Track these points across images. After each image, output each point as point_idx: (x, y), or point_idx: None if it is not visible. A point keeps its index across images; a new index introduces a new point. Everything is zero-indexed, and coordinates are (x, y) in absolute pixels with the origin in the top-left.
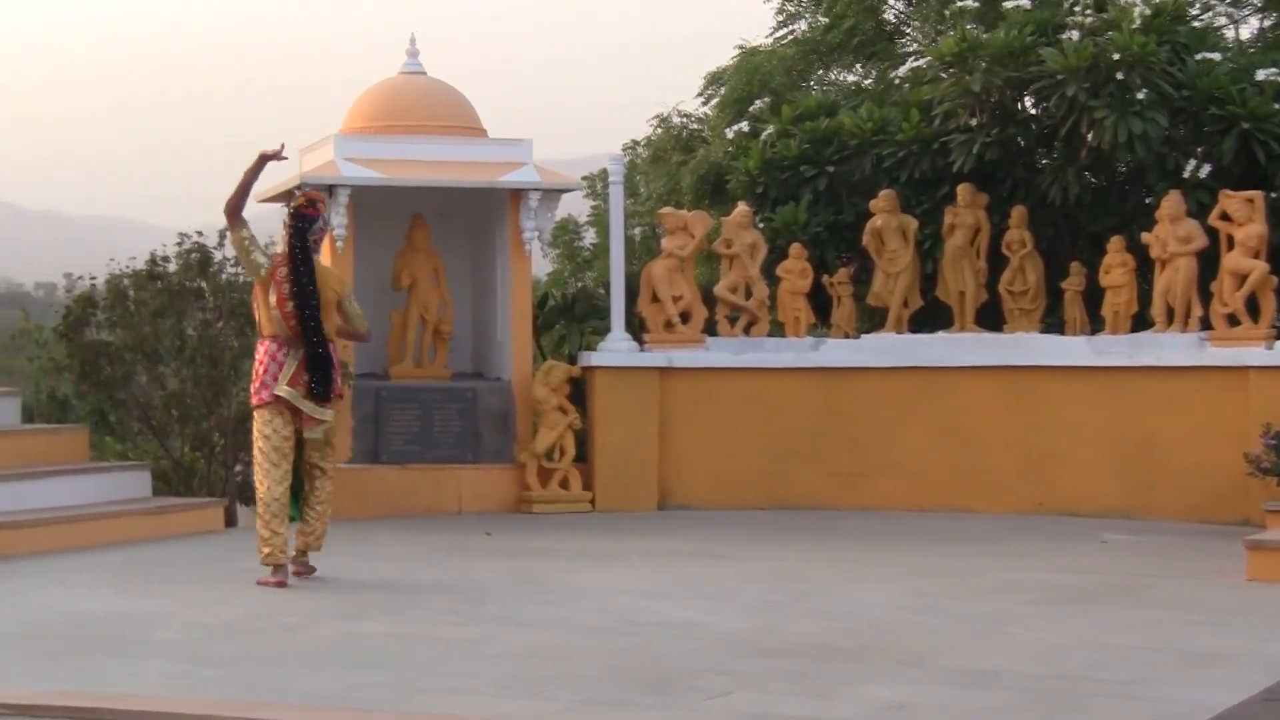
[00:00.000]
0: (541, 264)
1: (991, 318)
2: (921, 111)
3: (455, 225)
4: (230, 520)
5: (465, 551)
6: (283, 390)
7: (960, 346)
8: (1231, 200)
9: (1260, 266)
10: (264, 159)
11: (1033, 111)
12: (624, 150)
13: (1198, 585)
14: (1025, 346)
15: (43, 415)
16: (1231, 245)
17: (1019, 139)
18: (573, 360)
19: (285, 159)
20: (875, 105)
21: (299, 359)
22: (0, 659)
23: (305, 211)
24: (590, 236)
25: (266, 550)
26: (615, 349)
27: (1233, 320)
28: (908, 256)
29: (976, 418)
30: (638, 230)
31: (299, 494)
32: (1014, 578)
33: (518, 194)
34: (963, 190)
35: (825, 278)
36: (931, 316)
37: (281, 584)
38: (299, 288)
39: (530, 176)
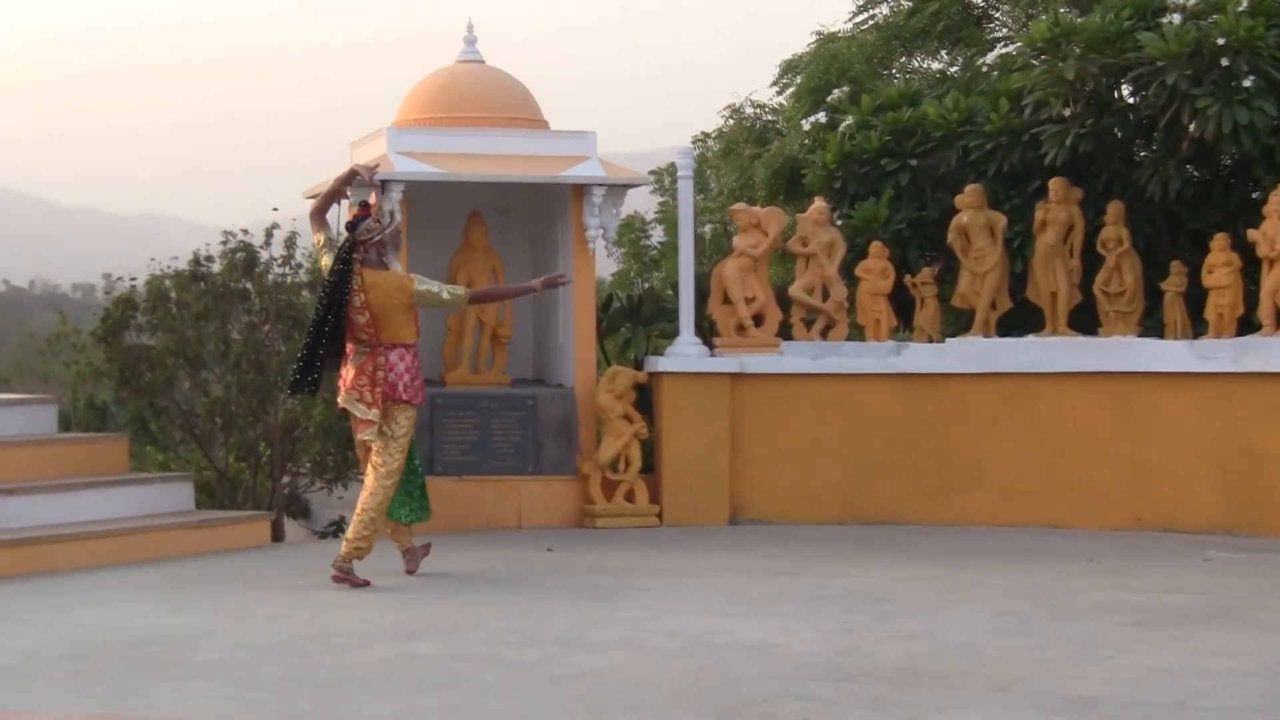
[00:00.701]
0: (606, 264)
1: (1086, 320)
2: (1011, 101)
3: (515, 223)
4: (277, 535)
5: (525, 568)
6: (340, 395)
7: (1052, 351)
8: None
9: None
10: (354, 173)
11: (1130, 101)
12: (693, 143)
13: None
14: (1122, 351)
15: (80, 424)
16: None
17: (1115, 130)
18: (639, 365)
19: (376, 183)
20: (961, 94)
21: (358, 364)
22: (38, 680)
23: (356, 215)
24: (658, 234)
25: (345, 549)
26: (684, 353)
27: None
28: (996, 255)
29: (1070, 427)
30: (708, 228)
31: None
32: (1111, 597)
33: (581, 190)
34: (1055, 184)
35: (907, 278)
36: (1021, 319)
37: (354, 584)
38: (324, 295)
39: (594, 171)
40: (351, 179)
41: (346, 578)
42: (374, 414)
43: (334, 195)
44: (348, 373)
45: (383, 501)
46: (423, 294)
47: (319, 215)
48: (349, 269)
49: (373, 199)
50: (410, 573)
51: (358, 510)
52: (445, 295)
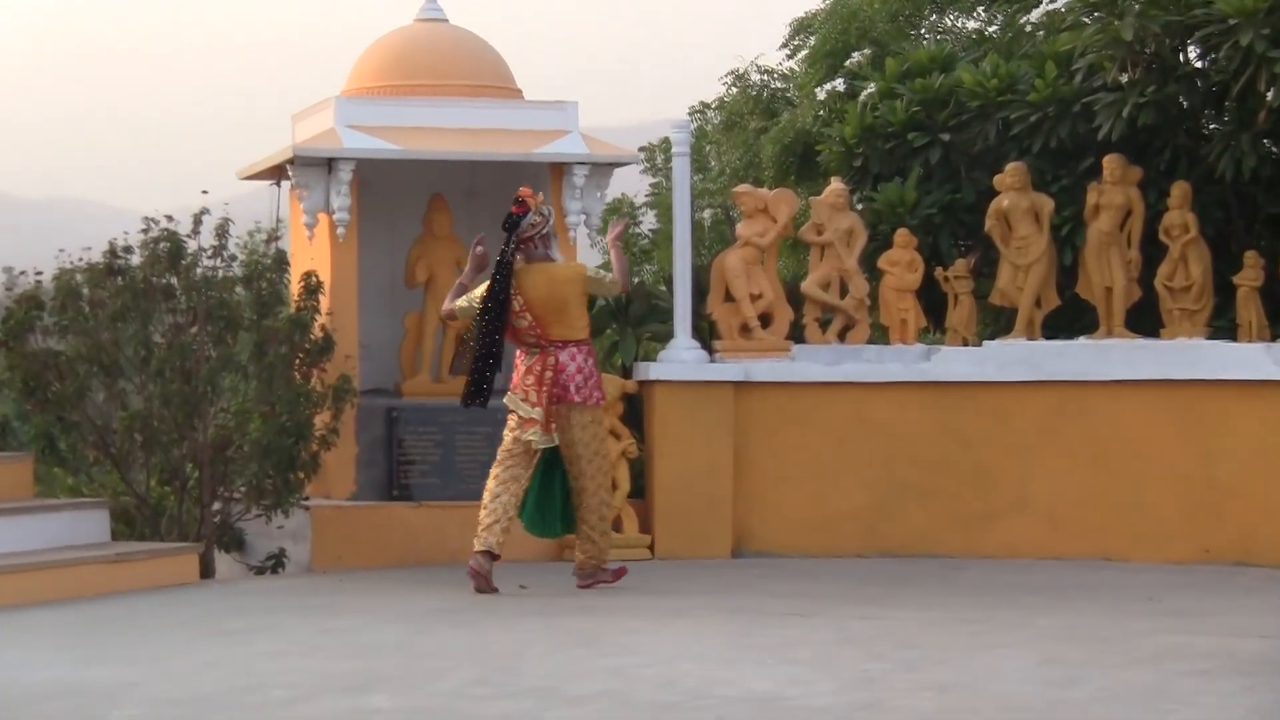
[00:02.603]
0: (589, 254)
1: (1146, 320)
2: (1059, 65)
3: (484, 208)
4: (207, 570)
5: (496, 608)
6: (506, 396)
7: (1107, 356)
8: None
9: None
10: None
11: (1198, 65)
12: (690, 115)
13: None
14: (1188, 356)
15: None
16: None
17: (1181, 99)
18: (627, 373)
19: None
20: (1001, 58)
21: (527, 364)
22: None
23: (512, 211)
24: (649, 221)
25: (582, 557)
26: (680, 359)
27: None
28: (1042, 244)
29: (1128, 444)
30: (708, 213)
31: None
32: (1176, 642)
33: (560, 169)
34: (1110, 162)
35: (939, 271)
36: (1071, 318)
37: (480, 581)
38: (489, 299)
39: (576, 147)
40: (479, 264)
41: (591, 581)
42: (537, 412)
43: (460, 291)
44: (516, 373)
45: (602, 509)
46: (592, 278)
47: (449, 317)
48: (510, 272)
49: (525, 190)
50: (581, 586)
51: (590, 522)
52: (607, 281)
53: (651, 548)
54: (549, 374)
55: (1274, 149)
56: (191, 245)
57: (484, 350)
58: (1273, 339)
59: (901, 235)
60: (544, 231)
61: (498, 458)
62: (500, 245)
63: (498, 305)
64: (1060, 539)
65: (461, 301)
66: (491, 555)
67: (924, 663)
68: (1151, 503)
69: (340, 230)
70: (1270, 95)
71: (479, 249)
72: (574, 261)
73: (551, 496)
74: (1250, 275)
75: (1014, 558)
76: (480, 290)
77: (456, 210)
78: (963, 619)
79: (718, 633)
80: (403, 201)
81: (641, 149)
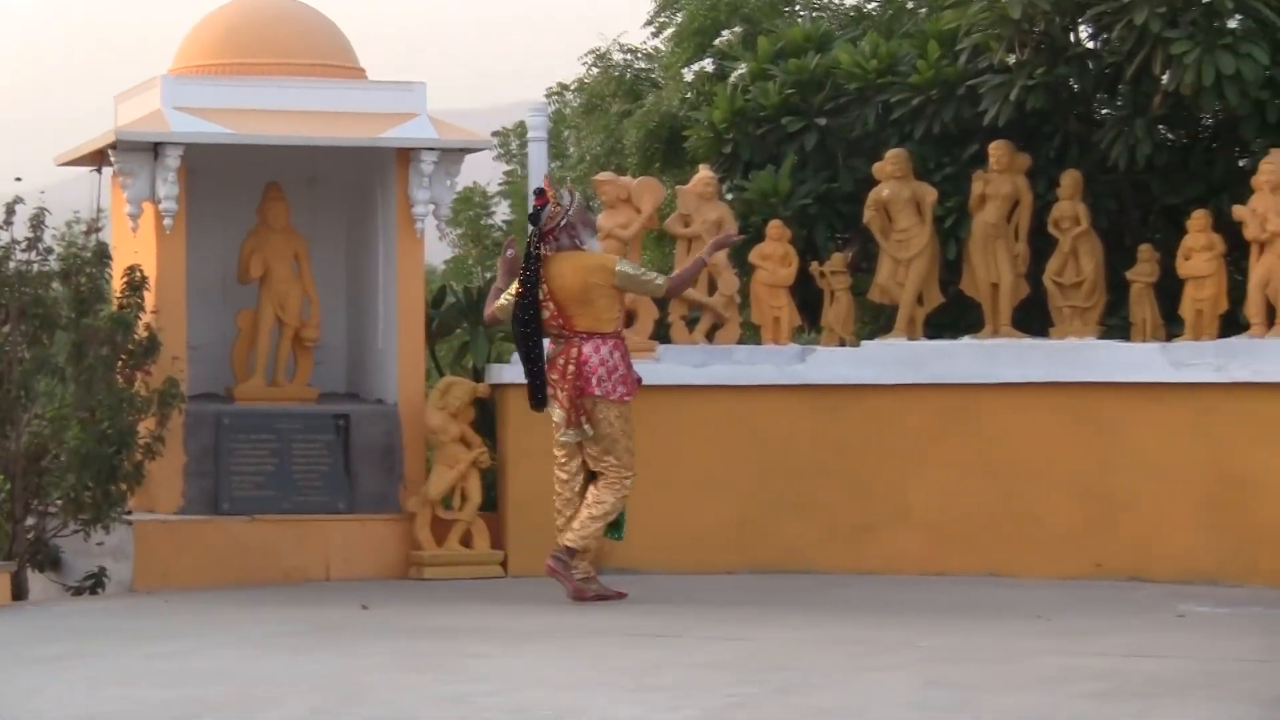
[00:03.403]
0: (438, 248)
1: (1035, 318)
2: (943, 45)
3: (324, 197)
4: (19, 591)
5: (336, 631)
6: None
7: (993, 357)
8: None
9: None
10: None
11: (1090, 45)
12: (548, 97)
13: None
14: (1079, 357)
15: None
16: None
17: (1071, 82)
18: (479, 376)
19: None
20: (881, 37)
21: (551, 358)
22: None
23: (534, 205)
24: (503, 211)
25: (568, 538)
26: None
27: None
28: (924, 237)
29: (1016, 451)
30: None
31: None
32: (1068, 663)
33: (407, 154)
34: (997, 149)
35: (814, 266)
36: (955, 317)
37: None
38: (519, 296)
39: (424, 131)
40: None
41: (560, 573)
42: (561, 414)
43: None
44: (549, 370)
45: (611, 510)
46: (623, 274)
47: (493, 321)
48: (538, 265)
49: (545, 182)
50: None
51: (586, 513)
52: (646, 280)
53: (504, 564)
54: (571, 367)
55: (1170, 135)
56: (3, 237)
57: (524, 350)
58: (1168, 338)
59: (774, 227)
60: (564, 222)
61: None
62: (527, 242)
63: (530, 301)
64: (945, 553)
65: (501, 301)
66: (570, 551)
67: (799, 687)
68: (1041, 514)
69: (167, 221)
70: (1166, 78)
71: (509, 252)
72: (605, 254)
73: None
74: (1145, 271)
75: (896, 573)
76: (515, 287)
77: (294, 200)
78: (841, 639)
79: (575, 656)
80: (235, 190)
81: (495, 134)
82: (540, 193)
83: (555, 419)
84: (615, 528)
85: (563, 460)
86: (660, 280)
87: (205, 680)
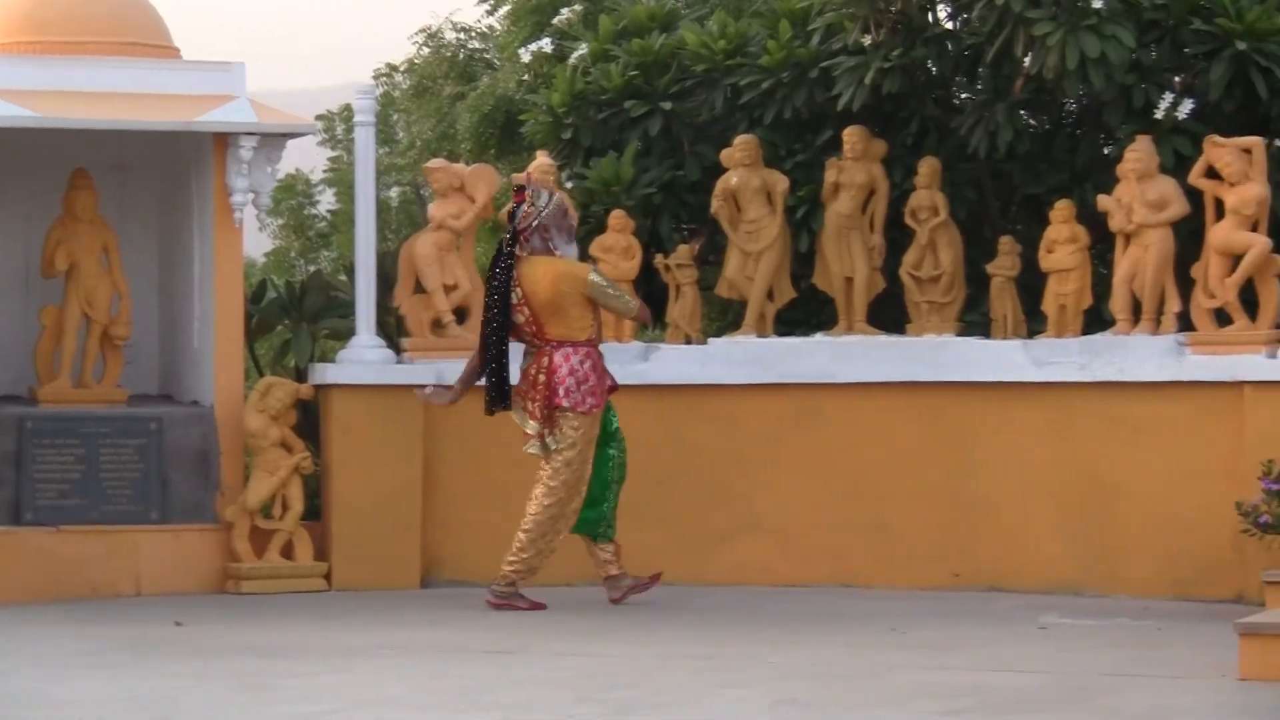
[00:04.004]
0: (258, 239)
1: (891, 314)
2: (795, 25)
3: (135, 185)
4: None
5: (148, 649)
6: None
7: (846, 355)
8: (1221, 151)
9: (1259, 243)
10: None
11: (949, 26)
12: (376, 79)
13: (1173, 688)
14: (937, 355)
15: None
16: (1221, 213)
17: (930, 64)
18: (301, 377)
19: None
20: (730, 16)
21: (524, 366)
22: None
23: (514, 201)
24: (327, 200)
25: (503, 569)
26: (362, 359)
27: (1223, 317)
28: (774, 228)
29: (871, 455)
30: (395, 191)
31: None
32: (925, 678)
33: (224, 140)
34: (851, 136)
35: (658, 259)
36: (807, 313)
37: (516, 607)
38: (488, 296)
39: (242, 115)
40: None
41: (505, 602)
42: (532, 425)
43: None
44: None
45: (546, 522)
46: (595, 285)
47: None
48: (510, 264)
49: (519, 177)
50: (613, 600)
51: (520, 528)
52: (615, 295)
53: (328, 577)
54: (541, 376)
55: (1032, 121)
56: None
57: (491, 351)
58: (1030, 335)
59: (617, 217)
60: (536, 223)
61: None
62: (500, 241)
63: (499, 300)
64: (796, 563)
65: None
66: (511, 583)
67: (643, 706)
68: (897, 521)
69: None
70: (1028, 61)
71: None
72: (579, 262)
73: (601, 499)
74: (1005, 264)
75: (745, 584)
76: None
77: (103, 188)
78: (686, 655)
79: (405, 674)
80: (39, 178)
81: (319, 117)
82: (520, 190)
83: (528, 430)
84: (593, 525)
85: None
86: (632, 303)
87: (6, 704)
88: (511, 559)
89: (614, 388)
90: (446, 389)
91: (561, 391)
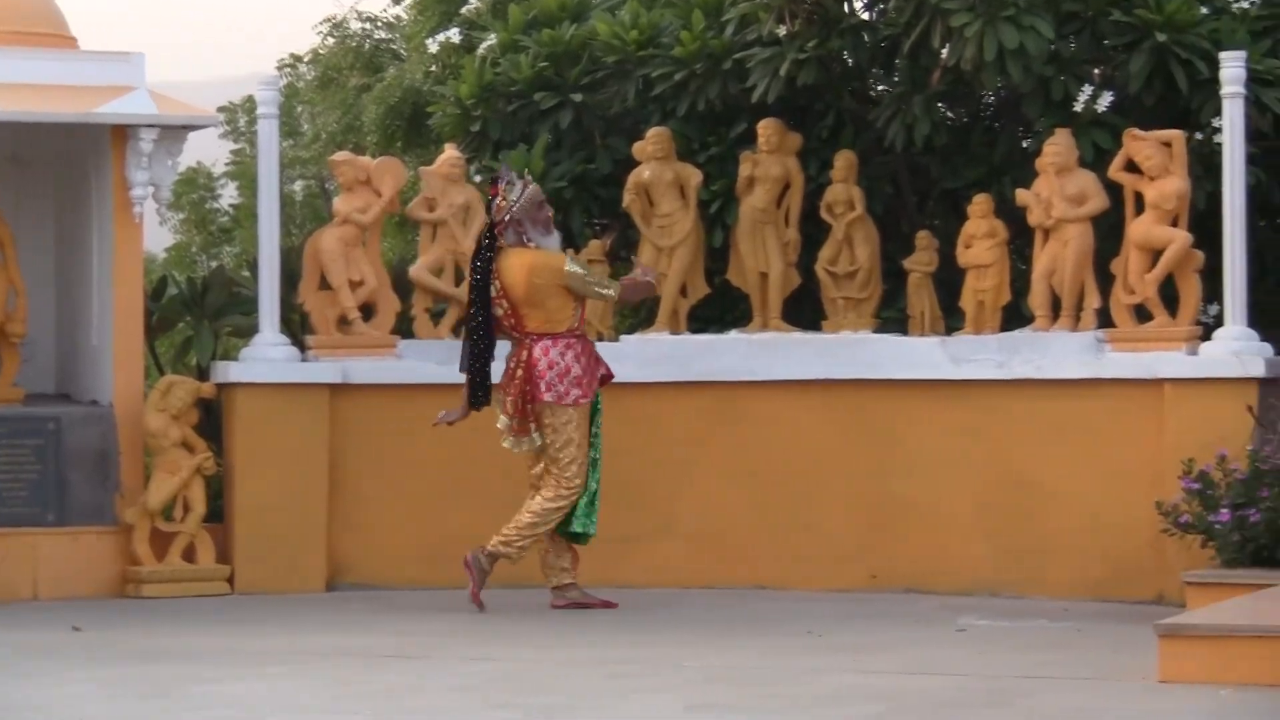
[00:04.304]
0: (158, 234)
1: (807, 311)
2: (708, 15)
3: (31, 179)
4: None
5: (45, 656)
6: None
7: (761, 352)
8: (1141, 144)
9: (1180, 238)
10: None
11: (865, 17)
12: (280, 70)
13: (1092, 690)
14: (853, 352)
15: None
16: (1141, 208)
17: (846, 56)
18: (203, 375)
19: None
20: (642, 6)
21: (506, 361)
22: None
23: (490, 193)
24: (230, 194)
25: (492, 542)
26: (265, 357)
27: (1143, 314)
28: (688, 223)
29: (787, 455)
30: (299, 185)
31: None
32: (843, 682)
33: (124, 132)
34: (766, 128)
35: (570, 254)
36: (722, 309)
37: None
38: (470, 289)
39: (142, 106)
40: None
41: (472, 570)
42: (504, 420)
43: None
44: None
45: (544, 519)
46: (572, 275)
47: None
48: (490, 257)
49: (503, 170)
50: (555, 606)
51: (519, 518)
52: (593, 283)
53: (231, 581)
54: (520, 371)
55: (950, 114)
56: None
57: (472, 345)
58: (948, 332)
59: None
60: (509, 216)
61: None
62: (480, 233)
63: (478, 293)
64: (712, 564)
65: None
66: (492, 556)
67: (556, 711)
68: (813, 522)
69: None
70: (946, 52)
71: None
72: (555, 253)
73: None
74: (923, 259)
75: (660, 586)
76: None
77: None
78: (601, 659)
79: (311, 681)
80: None
81: (221, 109)
82: (494, 182)
83: (499, 424)
84: (578, 536)
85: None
86: (611, 291)
87: None
88: (502, 538)
89: (608, 377)
90: (456, 410)
91: (543, 386)
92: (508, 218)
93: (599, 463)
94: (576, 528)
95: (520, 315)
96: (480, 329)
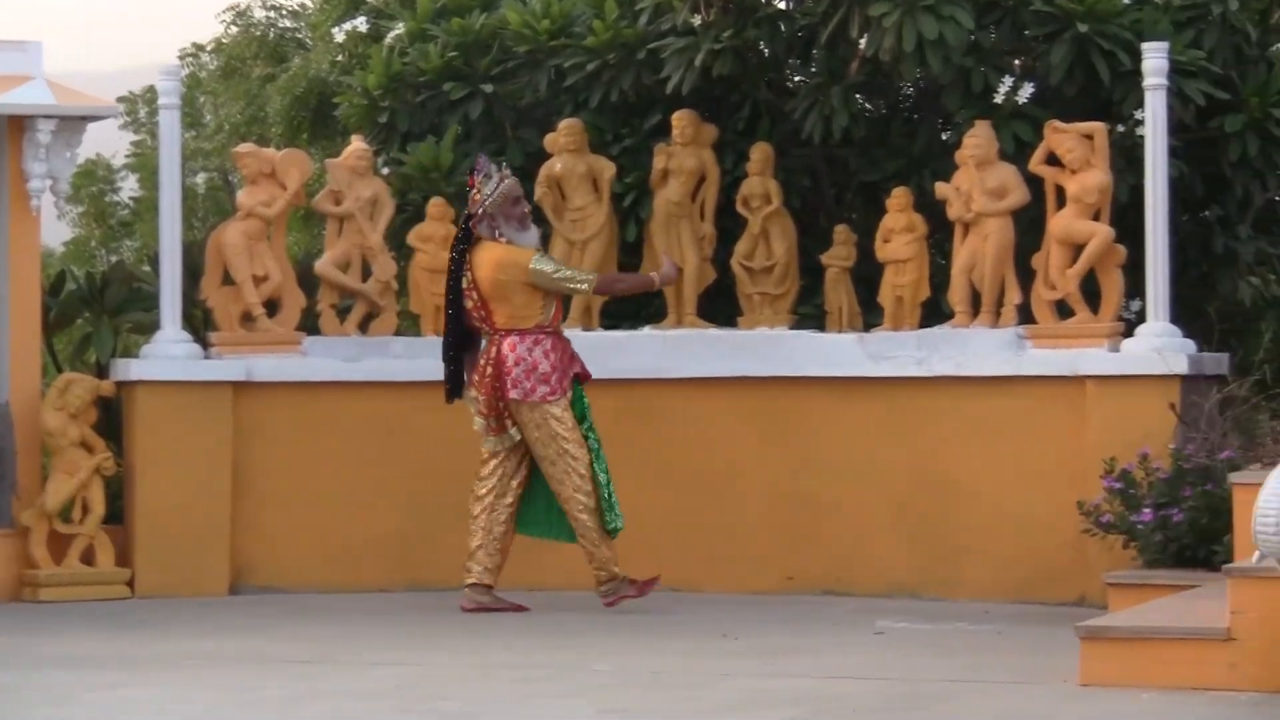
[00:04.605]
0: (56, 228)
1: (722, 306)
2: (622, 5)
3: None
4: None
5: None
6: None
7: (677, 349)
8: (1062, 136)
9: (1102, 232)
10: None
11: (782, 6)
12: (182, 59)
13: (1013, 694)
14: (770, 349)
15: None
16: (1063, 201)
17: (762, 46)
18: (103, 372)
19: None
20: None
21: (476, 363)
22: None
23: (468, 183)
24: (130, 187)
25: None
26: (167, 354)
27: (1064, 309)
28: (601, 216)
29: (702, 454)
30: (202, 178)
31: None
32: (759, 686)
33: (20, 122)
34: (681, 120)
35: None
36: (635, 305)
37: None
38: (447, 279)
39: (40, 96)
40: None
41: (615, 597)
42: (478, 421)
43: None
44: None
45: (584, 525)
46: (538, 273)
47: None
48: (464, 249)
49: (479, 162)
50: (464, 608)
51: (580, 533)
52: (562, 279)
53: (132, 584)
54: (490, 369)
55: (868, 105)
56: None
57: (446, 336)
58: (866, 328)
59: (436, 205)
60: (480, 210)
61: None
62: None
63: (452, 284)
64: (624, 565)
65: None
66: (484, 587)
67: (463, 717)
68: (729, 523)
69: None
70: (864, 43)
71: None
72: (522, 249)
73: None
74: (841, 254)
75: (571, 589)
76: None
77: None
78: (508, 664)
79: (212, 686)
80: None
81: (121, 99)
82: (473, 172)
83: (475, 425)
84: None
85: (484, 474)
86: (584, 283)
87: None
88: (593, 561)
89: (584, 377)
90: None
91: (509, 383)
92: (480, 211)
93: (600, 454)
94: (606, 525)
95: (489, 309)
96: (452, 320)
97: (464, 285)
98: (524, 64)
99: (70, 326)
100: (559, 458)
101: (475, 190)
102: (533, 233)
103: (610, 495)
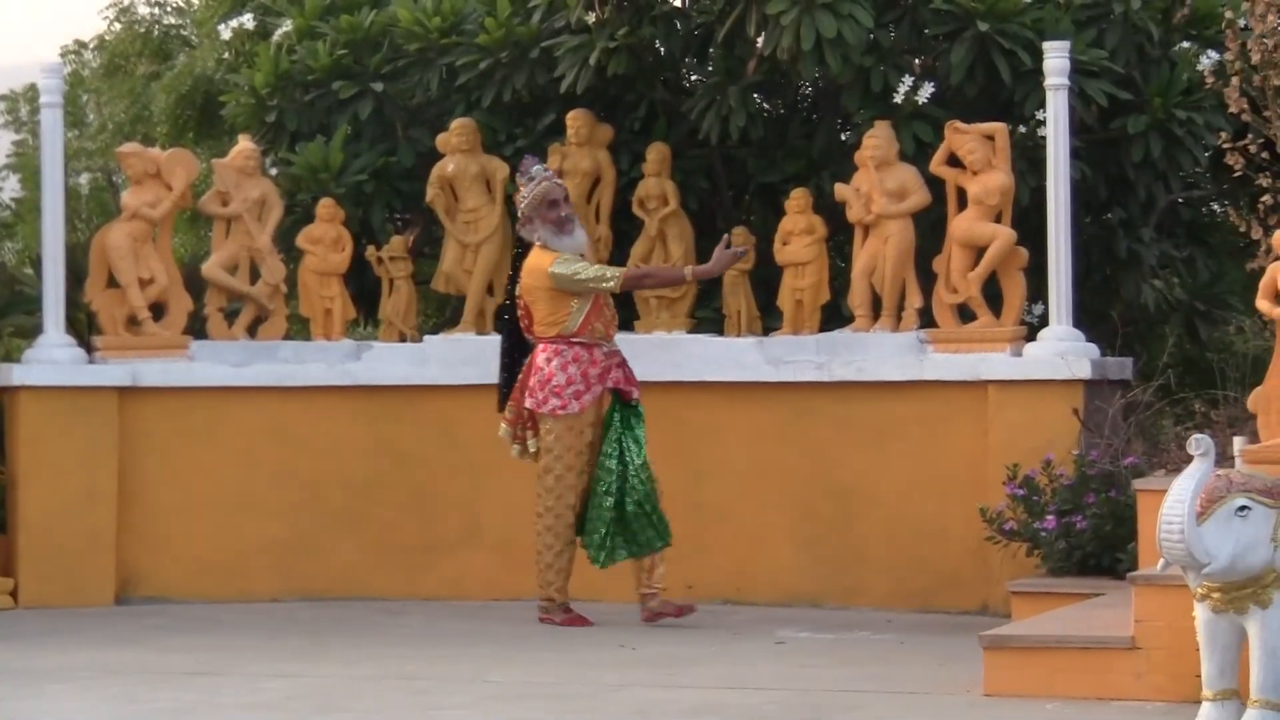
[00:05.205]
0: None
1: (619, 309)
2: (514, 2)
3: None
4: None
5: None
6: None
7: None
8: (963, 137)
9: (1003, 235)
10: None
11: (678, 4)
12: (64, 56)
13: (915, 704)
14: (668, 353)
15: None
16: (964, 203)
17: (658, 44)
18: None
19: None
20: None
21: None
22: None
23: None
24: (11, 187)
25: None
26: (50, 359)
27: (966, 313)
28: (494, 219)
29: None
30: (85, 178)
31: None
32: (657, 696)
33: None
34: (575, 120)
35: (370, 250)
36: None
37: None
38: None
39: None
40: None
41: (547, 617)
42: (504, 429)
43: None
44: None
45: (545, 535)
46: (558, 276)
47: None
48: (520, 252)
49: (524, 164)
50: (645, 620)
51: (537, 549)
52: (585, 279)
53: (15, 594)
54: (522, 377)
55: (766, 105)
56: None
57: (503, 343)
58: (765, 332)
59: (325, 206)
60: (521, 213)
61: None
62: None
63: (509, 291)
64: (518, 576)
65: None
66: (549, 599)
67: None
68: None
69: None
70: (762, 41)
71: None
72: (547, 253)
73: (605, 514)
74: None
75: (463, 598)
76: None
77: None
78: (402, 675)
79: (99, 699)
80: None
81: (1, 98)
82: (519, 174)
83: (500, 432)
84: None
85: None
86: (610, 281)
87: None
88: (539, 578)
89: (625, 393)
90: None
91: (527, 392)
92: (520, 213)
93: (634, 473)
94: (656, 543)
95: (530, 316)
96: (505, 327)
97: (516, 293)
98: (415, 62)
99: None
100: (545, 473)
101: (520, 193)
102: (574, 237)
103: (652, 512)
